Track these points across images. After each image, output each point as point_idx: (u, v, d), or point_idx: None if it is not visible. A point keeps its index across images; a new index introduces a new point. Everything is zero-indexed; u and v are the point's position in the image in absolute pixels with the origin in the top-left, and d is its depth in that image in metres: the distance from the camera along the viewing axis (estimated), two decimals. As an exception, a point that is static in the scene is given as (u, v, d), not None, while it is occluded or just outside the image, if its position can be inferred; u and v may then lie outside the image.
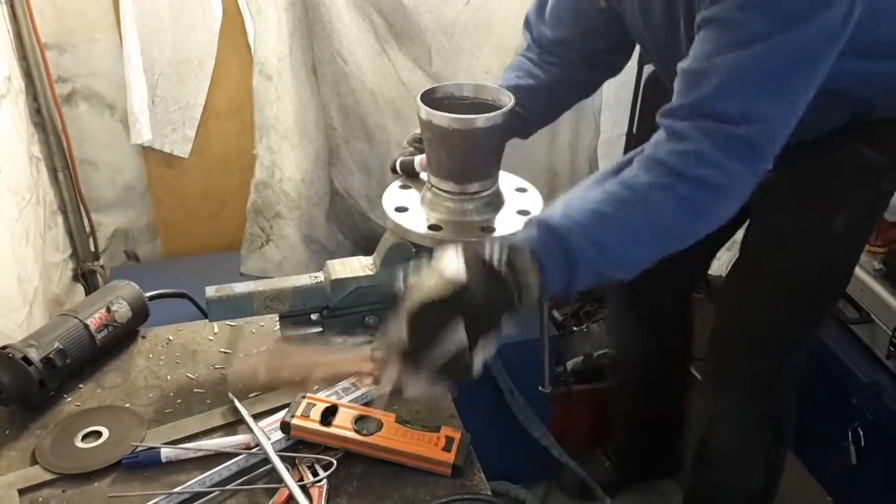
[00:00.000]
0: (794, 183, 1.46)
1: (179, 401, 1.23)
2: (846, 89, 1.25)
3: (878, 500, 1.90)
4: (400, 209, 1.28)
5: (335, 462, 1.07)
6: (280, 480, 1.05)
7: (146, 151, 2.33)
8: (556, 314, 2.39)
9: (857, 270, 1.98)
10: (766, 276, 1.54)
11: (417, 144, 1.38)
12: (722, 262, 2.15)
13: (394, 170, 1.39)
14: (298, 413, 1.13)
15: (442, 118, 1.14)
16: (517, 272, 1.01)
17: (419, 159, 1.34)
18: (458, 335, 0.98)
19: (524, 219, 1.21)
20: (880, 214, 1.51)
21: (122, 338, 1.35)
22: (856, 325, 1.96)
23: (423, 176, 1.34)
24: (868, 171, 1.41)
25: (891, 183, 1.45)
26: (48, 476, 1.08)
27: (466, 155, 1.19)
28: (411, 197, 1.30)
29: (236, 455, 1.10)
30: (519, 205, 1.25)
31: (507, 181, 1.33)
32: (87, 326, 1.27)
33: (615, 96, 2.53)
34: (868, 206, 1.46)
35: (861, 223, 1.48)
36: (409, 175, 1.36)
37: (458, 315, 0.98)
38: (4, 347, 1.19)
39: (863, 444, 1.88)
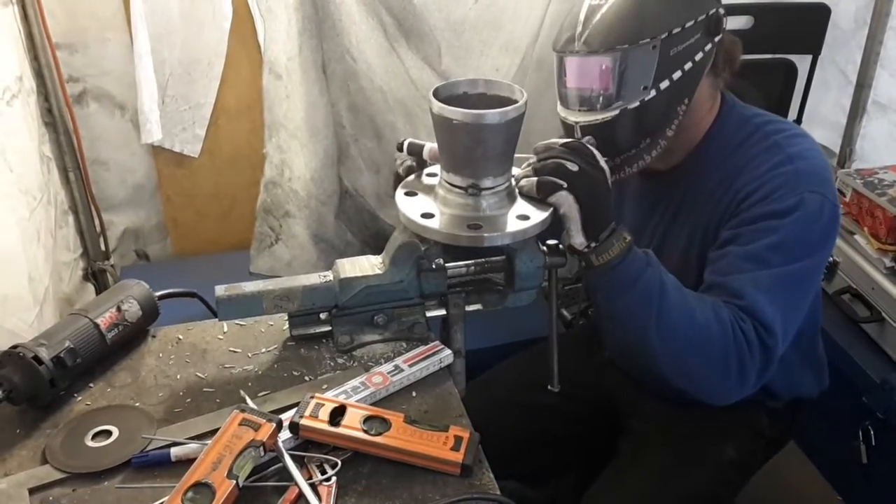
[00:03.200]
0: (690, 416, 1.49)
1: (189, 400, 1.23)
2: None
3: (889, 499, 1.89)
4: (409, 193, 1.28)
5: (339, 462, 1.07)
6: (290, 479, 1.05)
7: (156, 151, 2.34)
8: (564, 312, 2.38)
9: (868, 268, 1.97)
10: (645, 483, 1.48)
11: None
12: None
13: (399, 148, 1.40)
14: (307, 413, 1.13)
15: (453, 112, 1.14)
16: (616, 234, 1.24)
17: (430, 147, 1.35)
18: None
19: (522, 223, 1.21)
20: (753, 469, 1.58)
21: (132, 337, 1.35)
22: (866, 323, 1.95)
23: (432, 166, 1.34)
24: (756, 433, 1.55)
25: (767, 451, 1.59)
26: (58, 475, 1.08)
27: (475, 150, 1.18)
28: (429, 185, 1.30)
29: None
30: (525, 209, 1.24)
31: None
32: (97, 326, 1.27)
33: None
34: (749, 454, 1.54)
35: (740, 464, 1.52)
36: (414, 155, 1.38)
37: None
38: (15, 346, 1.19)
39: (873, 442, 1.87)
